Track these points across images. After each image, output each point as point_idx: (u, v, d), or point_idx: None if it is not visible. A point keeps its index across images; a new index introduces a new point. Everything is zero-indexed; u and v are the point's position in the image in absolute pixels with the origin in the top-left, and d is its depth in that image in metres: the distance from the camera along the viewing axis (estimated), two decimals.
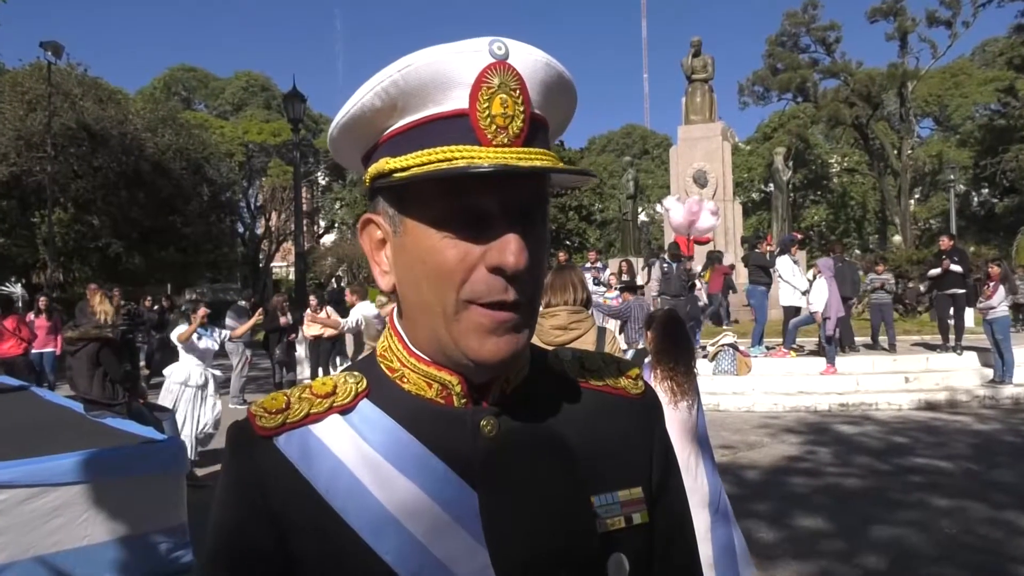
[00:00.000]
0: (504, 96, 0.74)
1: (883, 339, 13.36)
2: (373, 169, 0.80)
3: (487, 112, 0.74)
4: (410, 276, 0.80)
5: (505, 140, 0.75)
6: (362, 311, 9.45)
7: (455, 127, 0.75)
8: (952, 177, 32.57)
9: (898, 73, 37.32)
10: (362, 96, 0.77)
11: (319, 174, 46.45)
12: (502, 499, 0.71)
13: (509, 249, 0.74)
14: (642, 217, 38.99)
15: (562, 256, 17.55)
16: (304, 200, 33.66)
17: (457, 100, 0.75)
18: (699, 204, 13.98)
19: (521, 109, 0.75)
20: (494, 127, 0.74)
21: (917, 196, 45.82)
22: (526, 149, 0.75)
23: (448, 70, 0.74)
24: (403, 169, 0.76)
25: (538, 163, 0.75)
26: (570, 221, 41.68)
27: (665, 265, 12.98)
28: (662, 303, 11.97)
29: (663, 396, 3.58)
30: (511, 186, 0.75)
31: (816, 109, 41.35)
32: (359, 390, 0.84)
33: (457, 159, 0.73)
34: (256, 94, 50.06)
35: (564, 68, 0.80)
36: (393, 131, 0.79)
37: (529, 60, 0.76)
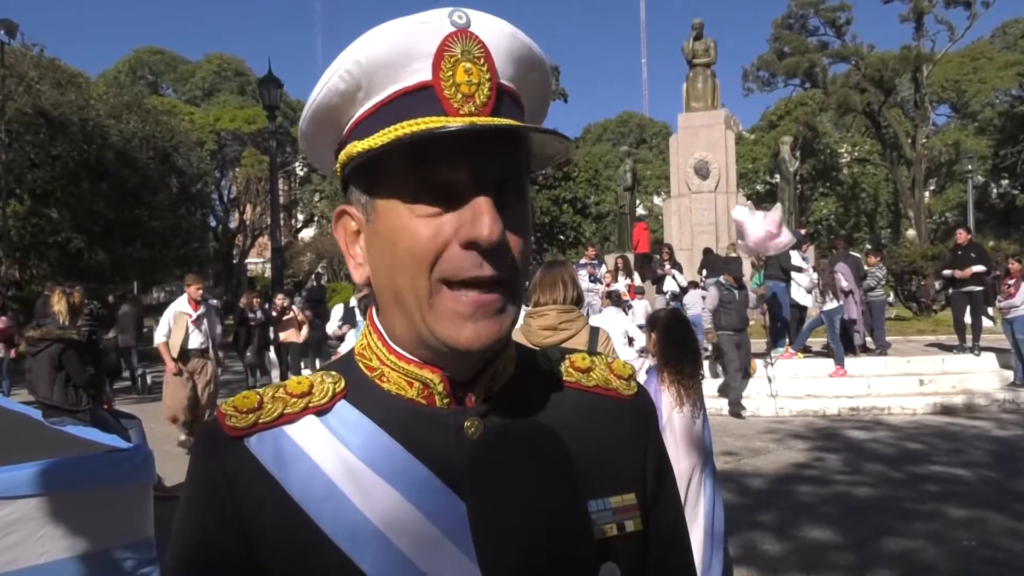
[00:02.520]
0: (468, 64, 0.75)
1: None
2: (343, 156, 0.81)
3: (451, 80, 0.75)
4: (383, 263, 0.80)
5: (472, 109, 0.75)
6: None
7: (420, 100, 0.76)
8: (970, 167, 32.77)
9: (913, 56, 37.51)
10: (326, 81, 0.79)
11: (297, 164, 46.30)
12: (490, 506, 0.70)
13: (482, 221, 0.74)
14: (640, 210, 39.08)
15: (612, 263, 16.87)
16: (281, 192, 33.50)
17: (420, 72, 0.76)
18: (780, 216, 12.15)
19: (487, 77, 0.76)
20: (460, 96, 0.75)
21: (932, 188, 46.08)
22: (495, 118, 0.76)
23: (408, 43, 0.75)
24: (392, 143, 0.76)
25: (508, 123, 0.76)
26: (564, 214, 41.71)
27: (725, 291, 10.96)
28: (722, 339, 10.85)
29: (670, 400, 3.59)
30: (481, 155, 0.75)
31: (825, 95, 41.55)
32: (336, 390, 0.84)
33: (422, 128, 0.74)
34: (229, 78, 49.93)
35: (532, 41, 0.81)
36: (359, 117, 0.79)
37: (493, 29, 0.77)
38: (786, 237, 11.98)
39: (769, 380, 11.17)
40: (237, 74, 50.25)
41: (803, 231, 18.49)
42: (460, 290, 0.76)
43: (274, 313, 13.62)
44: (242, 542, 0.78)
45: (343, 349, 8.56)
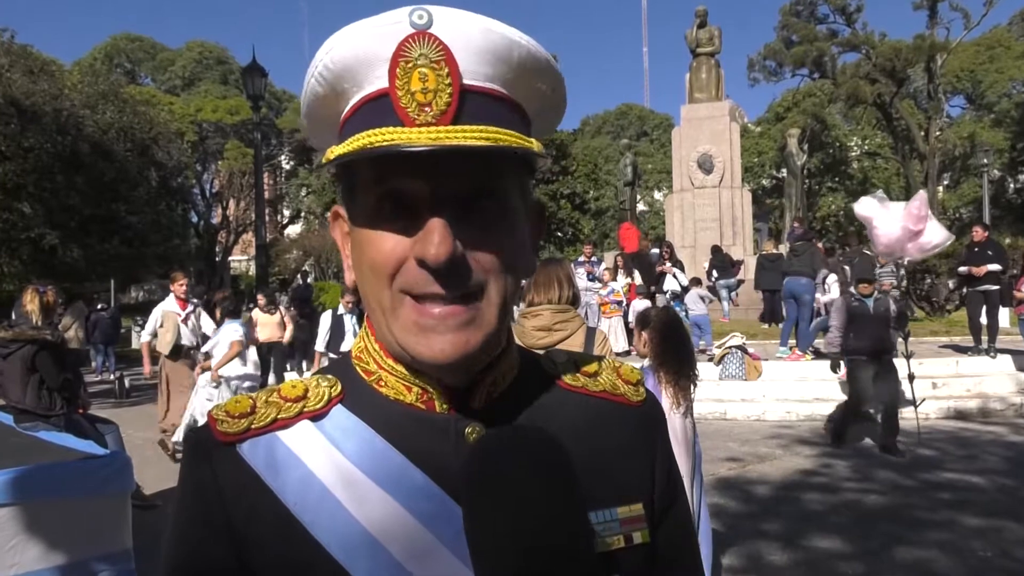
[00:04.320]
0: (424, 70, 0.74)
1: None
2: (324, 158, 0.82)
3: (406, 88, 0.75)
4: (358, 270, 0.83)
5: (429, 118, 0.74)
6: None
7: (380, 108, 0.76)
8: (985, 161, 32.75)
9: (926, 45, 37.55)
10: (306, 84, 0.81)
11: (282, 158, 46.28)
12: (489, 515, 0.71)
13: (430, 240, 0.74)
14: (640, 206, 39.13)
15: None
16: (266, 187, 33.39)
17: (380, 79, 0.76)
18: (924, 206, 9.47)
19: (447, 83, 0.75)
20: (415, 104, 0.74)
21: (946, 182, 46.17)
22: (456, 127, 0.75)
23: (369, 47, 0.75)
24: (340, 157, 0.78)
25: (466, 141, 0.74)
26: (562, 210, 41.69)
27: (855, 302, 8.84)
28: (853, 366, 8.83)
29: (666, 403, 3.64)
30: (442, 168, 0.75)
31: (834, 86, 41.55)
32: (333, 395, 0.85)
33: (377, 142, 0.74)
34: (211, 67, 49.79)
35: (518, 33, 0.79)
36: (344, 116, 0.81)
37: (456, 28, 0.76)
38: (936, 234, 9.57)
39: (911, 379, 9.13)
40: (219, 62, 50.10)
41: (797, 224, 18.47)
42: (423, 303, 0.77)
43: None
44: (232, 551, 0.79)
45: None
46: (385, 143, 0.74)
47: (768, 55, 43.50)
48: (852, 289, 9.20)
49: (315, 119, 0.85)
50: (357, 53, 0.76)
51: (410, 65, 0.74)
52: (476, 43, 0.76)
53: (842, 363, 9.22)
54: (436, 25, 0.74)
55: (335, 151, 0.78)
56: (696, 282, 15.32)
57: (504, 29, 0.78)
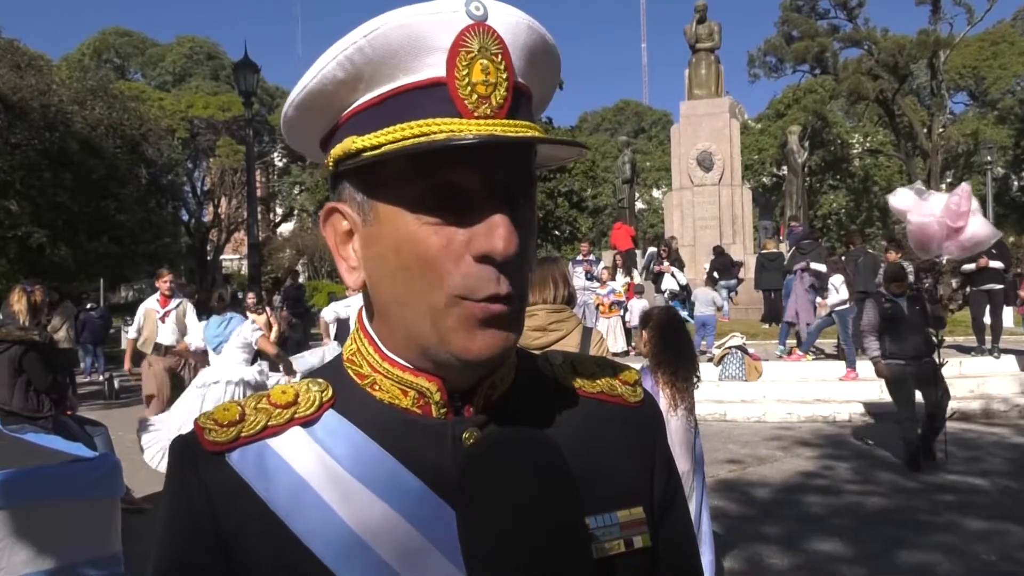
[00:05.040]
0: (485, 62, 0.74)
1: None
2: (338, 150, 0.79)
3: (467, 80, 0.74)
4: (384, 270, 0.79)
5: (488, 111, 0.74)
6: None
7: (431, 98, 0.74)
8: (989, 158, 32.88)
9: (929, 41, 37.64)
10: (322, 67, 0.77)
11: (275, 155, 46.17)
12: (484, 520, 0.71)
13: (497, 233, 0.73)
14: (639, 204, 39.16)
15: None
16: (258, 184, 33.29)
17: (433, 68, 0.74)
18: (966, 200, 8.53)
19: (504, 76, 0.75)
20: (475, 96, 0.74)
21: (949, 180, 46.15)
22: (511, 121, 0.75)
23: (422, 34, 0.74)
24: (374, 147, 0.75)
25: (527, 134, 0.75)
26: (559, 208, 41.77)
27: (887, 304, 8.21)
28: (895, 370, 8.13)
29: (665, 404, 3.64)
30: (496, 162, 0.75)
31: (836, 82, 41.65)
32: (324, 399, 0.84)
33: (436, 133, 0.73)
34: (201, 63, 49.77)
35: (546, 31, 0.80)
36: (358, 107, 0.78)
37: (511, 21, 0.76)
38: (980, 230, 8.69)
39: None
40: (210, 58, 50.07)
41: (795, 223, 18.46)
42: (475, 302, 0.76)
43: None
44: (224, 565, 0.79)
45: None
46: (448, 133, 0.73)
47: (769, 51, 43.60)
48: (882, 289, 8.69)
49: (311, 111, 0.81)
50: (408, 38, 0.74)
51: (471, 55, 0.74)
52: (522, 39, 0.77)
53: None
54: (492, 18, 0.75)
55: (369, 141, 0.76)
56: (711, 281, 15.31)
57: (541, 27, 0.79)
